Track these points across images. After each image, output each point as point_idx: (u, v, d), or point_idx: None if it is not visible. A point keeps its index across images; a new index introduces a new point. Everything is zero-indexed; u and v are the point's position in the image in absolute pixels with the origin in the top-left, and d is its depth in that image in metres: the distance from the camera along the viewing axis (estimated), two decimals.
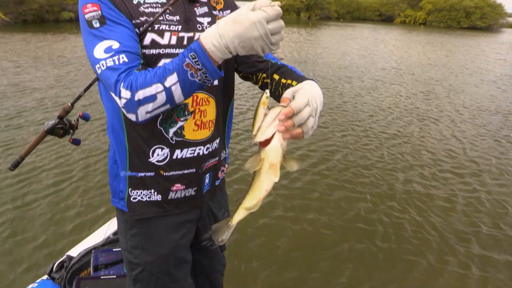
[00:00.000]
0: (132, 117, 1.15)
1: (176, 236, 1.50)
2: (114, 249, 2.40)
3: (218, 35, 1.03)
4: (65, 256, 2.47)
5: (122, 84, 1.10)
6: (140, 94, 1.09)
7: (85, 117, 1.95)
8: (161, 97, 1.10)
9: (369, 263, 3.21)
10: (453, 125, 7.13)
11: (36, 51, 13.07)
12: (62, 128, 1.79)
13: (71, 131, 1.83)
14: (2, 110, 6.68)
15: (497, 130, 6.96)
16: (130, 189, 1.41)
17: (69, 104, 1.83)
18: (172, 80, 1.08)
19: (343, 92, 9.24)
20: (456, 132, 6.71)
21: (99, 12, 1.15)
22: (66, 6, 30.61)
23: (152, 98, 1.09)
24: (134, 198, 1.42)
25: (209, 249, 1.73)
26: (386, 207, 4.08)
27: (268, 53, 1.47)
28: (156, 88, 1.08)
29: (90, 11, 1.15)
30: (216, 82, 1.38)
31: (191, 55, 1.06)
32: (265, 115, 1.03)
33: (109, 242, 2.49)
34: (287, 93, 1.09)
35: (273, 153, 1.04)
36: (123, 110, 1.15)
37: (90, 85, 1.79)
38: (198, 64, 1.06)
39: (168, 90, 1.09)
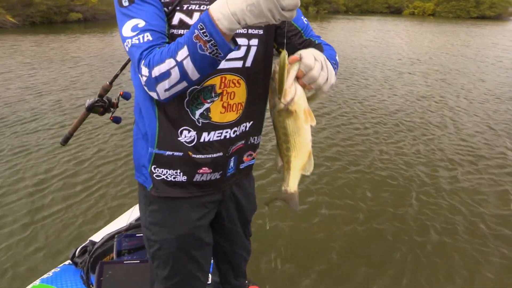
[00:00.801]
0: (154, 95, 1.16)
1: (195, 216, 1.48)
2: (137, 235, 2.39)
3: (226, 2, 0.98)
4: (88, 241, 2.49)
5: (143, 61, 1.11)
6: (156, 71, 1.08)
7: (126, 96, 1.96)
8: (175, 73, 1.07)
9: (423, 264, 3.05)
10: (486, 115, 6.90)
11: (50, 53, 13.03)
12: (102, 106, 1.82)
13: (112, 109, 1.84)
14: (18, 113, 6.57)
15: None
16: (154, 166, 1.40)
17: (108, 83, 1.86)
18: (183, 54, 1.05)
19: (366, 84, 9.04)
20: (491, 123, 6.48)
21: None
22: (74, 7, 30.70)
23: (166, 74, 1.08)
24: (158, 176, 1.41)
25: (231, 232, 1.71)
26: (432, 204, 3.91)
27: (310, 31, 1.43)
28: (169, 63, 1.06)
29: None
30: (249, 64, 1.33)
31: (199, 26, 1.01)
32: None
33: (132, 227, 2.48)
34: (295, 54, 1.10)
35: (303, 101, 1.09)
36: (145, 88, 1.17)
37: (126, 64, 1.81)
38: (206, 36, 1.00)
39: (180, 65, 1.06)
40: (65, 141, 1.96)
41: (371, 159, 4.94)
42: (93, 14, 32.41)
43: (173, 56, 1.06)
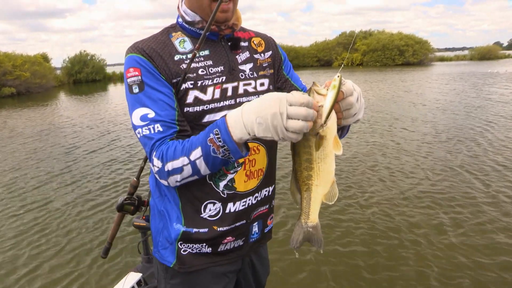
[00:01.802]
0: (164, 183, 1.21)
1: (217, 287, 1.47)
2: None
3: (241, 111, 1.03)
4: None
5: (154, 153, 1.16)
6: (169, 166, 1.13)
7: None
8: (187, 170, 1.13)
9: None
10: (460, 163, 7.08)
11: None
12: (132, 204, 1.79)
13: (142, 207, 1.80)
14: None
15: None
16: (180, 242, 1.38)
17: (135, 178, 1.84)
18: (196, 154, 1.10)
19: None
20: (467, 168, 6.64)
21: (139, 77, 1.20)
22: (6, 82, 29.96)
23: (179, 170, 1.13)
24: (184, 251, 1.39)
25: None
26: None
27: None
28: (183, 161, 1.12)
29: (131, 76, 1.21)
30: None
31: (215, 131, 1.06)
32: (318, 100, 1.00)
33: None
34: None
35: (335, 126, 1.03)
36: (156, 176, 1.21)
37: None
38: (220, 141, 1.05)
39: (193, 164, 1.11)
40: (106, 253, 1.95)
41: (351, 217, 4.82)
42: (26, 87, 31.76)
43: (187, 155, 1.11)
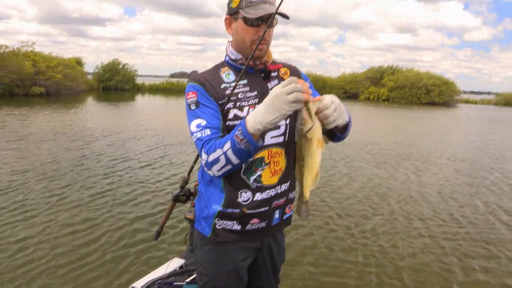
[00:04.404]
0: (210, 173, 1.60)
1: (239, 257, 1.81)
2: (174, 283, 2.56)
3: (254, 111, 1.45)
4: (130, 287, 2.63)
5: (203, 150, 1.55)
6: (211, 157, 1.52)
7: None
8: (222, 159, 1.50)
9: None
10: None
11: (34, 127, 12.19)
12: (184, 195, 2.19)
13: (192, 197, 2.19)
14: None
15: None
16: (217, 218, 1.74)
17: (186, 175, 2.29)
18: (227, 146, 1.47)
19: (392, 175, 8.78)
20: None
21: (196, 98, 1.64)
22: (38, 81, 30.36)
23: (217, 160, 1.51)
24: (219, 226, 1.75)
25: (263, 277, 1.97)
26: None
27: None
28: (218, 152, 1.50)
29: (190, 97, 1.66)
30: (287, 137, 1.74)
31: (238, 128, 1.44)
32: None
33: (172, 275, 2.67)
34: (320, 96, 1.48)
35: (318, 131, 1.47)
36: (205, 169, 1.60)
37: (198, 157, 2.05)
38: (241, 135, 1.42)
39: (225, 154, 1.48)
40: (157, 236, 2.29)
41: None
42: (56, 89, 32.11)
43: (221, 147, 1.48)
